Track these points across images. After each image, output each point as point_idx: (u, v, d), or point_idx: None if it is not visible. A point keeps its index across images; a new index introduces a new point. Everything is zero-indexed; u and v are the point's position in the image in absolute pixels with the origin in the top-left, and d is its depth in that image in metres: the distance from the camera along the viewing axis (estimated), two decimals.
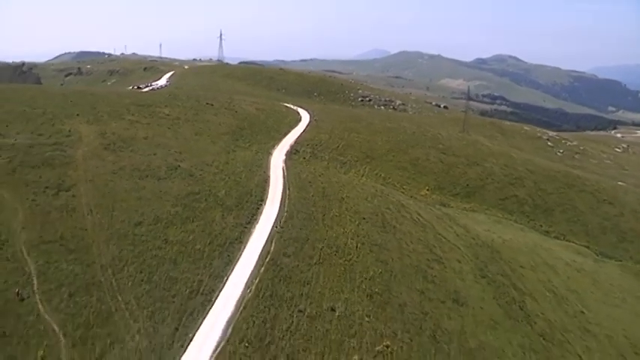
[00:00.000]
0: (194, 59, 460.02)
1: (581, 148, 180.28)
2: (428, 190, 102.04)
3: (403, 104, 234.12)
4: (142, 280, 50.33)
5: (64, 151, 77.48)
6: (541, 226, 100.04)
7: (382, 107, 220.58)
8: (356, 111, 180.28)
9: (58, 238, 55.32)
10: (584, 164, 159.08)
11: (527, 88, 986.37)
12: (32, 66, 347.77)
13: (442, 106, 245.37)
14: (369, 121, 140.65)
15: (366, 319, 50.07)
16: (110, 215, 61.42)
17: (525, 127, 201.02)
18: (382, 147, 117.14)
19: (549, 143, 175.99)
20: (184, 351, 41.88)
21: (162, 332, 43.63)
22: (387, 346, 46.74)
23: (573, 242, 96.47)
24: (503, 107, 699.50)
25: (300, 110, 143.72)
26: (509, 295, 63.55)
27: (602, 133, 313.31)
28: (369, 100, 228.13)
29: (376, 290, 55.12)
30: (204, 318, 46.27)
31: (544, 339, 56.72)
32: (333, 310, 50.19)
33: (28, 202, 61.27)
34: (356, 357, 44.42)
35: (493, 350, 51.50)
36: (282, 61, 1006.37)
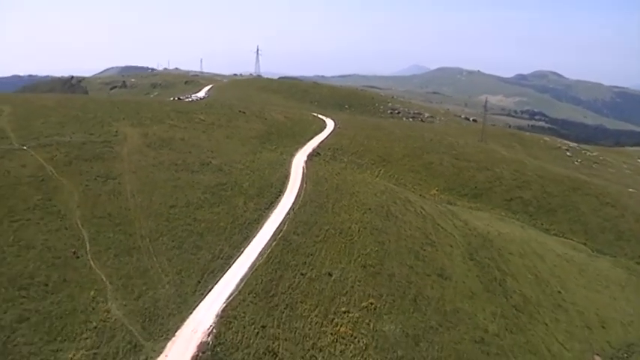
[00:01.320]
0: (234, 74, 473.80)
1: (601, 158, 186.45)
2: (437, 190, 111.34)
3: (431, 117, 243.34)
4: (173, 247, 61.42)
5: (111, 148, 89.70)
6: (542, 224, 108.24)
7: (410, 119, 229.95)
8: (380, 121, 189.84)
9: (107, 215, 66.91)
10: (600, 173, 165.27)
11: (568, 104, 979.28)
12: (80, 79, 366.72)
13: (471, 119, 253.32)
14: (390, 130, 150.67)
15: (357, 283, 60.10)
16: (149, 199, 72.87)
17: (545, 138, 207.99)
18: (398, 152, 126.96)
19: (568, 153, 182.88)
20: (203, 298, 52.52)
21: (187, 284, 54.50)
22: (372, 304, 56.76)
23: (571, 239, 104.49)
24: (542, 123, 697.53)
25: (326, 119, 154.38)
26: (492, 274, 72.72)
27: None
28: (398, 113, 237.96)
29: (370, 263, 65.07)
30: (221, 276, 56.87)
31: (516, 309, 65.83)
32: (329, 274, 60.41)
33: (82, 187, 73.21)
34: (344, 309, 54.50)
35: (466, 314, 60.94)
36: (322, 76, 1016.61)
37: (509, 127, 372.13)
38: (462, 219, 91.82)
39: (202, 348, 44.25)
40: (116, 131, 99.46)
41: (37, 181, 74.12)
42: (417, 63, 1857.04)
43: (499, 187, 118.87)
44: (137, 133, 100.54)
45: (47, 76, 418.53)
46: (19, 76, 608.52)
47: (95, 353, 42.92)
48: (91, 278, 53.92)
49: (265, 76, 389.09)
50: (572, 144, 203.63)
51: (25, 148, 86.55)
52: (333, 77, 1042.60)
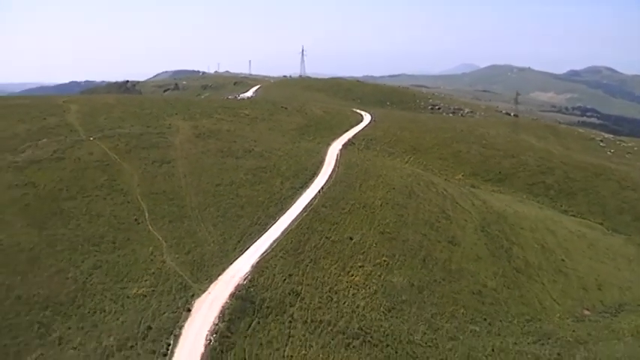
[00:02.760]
0: (284, 76, 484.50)
1: (635, 149, 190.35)
2: (462, 175, 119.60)
3: (471, 112, 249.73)
4: (218, 216, 72.38)
5: (165, 138, 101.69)
6: (561, 206, 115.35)
7: (451, 114, 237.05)
8: (416, 115, 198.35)
9: (162, 191, 78.50)
10: (631, 162, 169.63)
11: (622, 100, 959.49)
12: (135, 83, 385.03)
13: (512, 114, 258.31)
14: (423, 123, 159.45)
15: (374, 245, 69.79)
16: (198, 179, 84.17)
17: (580, 130, 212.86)
18: (429, 142, 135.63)
19: (602, 144, 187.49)
20: (242, 254, 62.96)
21: (228, 243, 65.22)
22: (385, 261, 66.45)
23: (588, 219, 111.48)
24: (593, 120, 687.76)
25: (364, 113, 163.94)
26: (500, 243, 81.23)
27: None
28: (439, 109, 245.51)
29: (387, 230, 74.65)
30: (258, 238, 67.32)
31: (517, 271, 74.34)
32: (350, 238, 70.30)
33: (140, 170, 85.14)
34: (359, 264, 64.36)
35: (469, 272, 69.90)
36: (371, 76, 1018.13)
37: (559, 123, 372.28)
38: (482, 199, 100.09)
39: (239, 288, 54.68)
40: (169, 124, 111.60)
41: (103, 166, 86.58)
42: (467, 61, 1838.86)
43: (523, 172, 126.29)
44: (188, 125, 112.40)
45: (103, 82, 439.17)
46: (77, 82, 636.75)
47: (153, 290, 53.85)
48: (149, 238, 65.19)
49: (313, 77, 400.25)
50: (607, 135, 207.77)
51: (91, 139, 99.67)
52: (382, 77, 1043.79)
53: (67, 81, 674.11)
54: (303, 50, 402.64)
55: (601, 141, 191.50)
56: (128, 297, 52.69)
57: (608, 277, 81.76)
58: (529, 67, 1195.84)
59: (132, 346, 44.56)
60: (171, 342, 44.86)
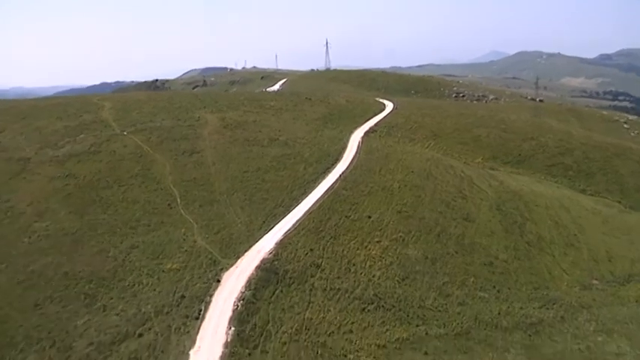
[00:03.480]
0: (312, 69, 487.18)
1: None
2: (482, 158, 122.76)
3: (496, 98, 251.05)
4: (245, 199, 77.48)
5: (195, 130, 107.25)
6: (579, 185, 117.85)
7: (475, 101, 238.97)
8: (438, 102, 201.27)
9: (192, 179, 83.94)
10: None
11: None
12: (164, 81, 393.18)
13: (538, 100, 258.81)
14: (445, 109, 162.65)
15: (391, 223, 74.12)
16: (227, 166, 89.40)
17: (603, 112, 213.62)
18: (449, 127, 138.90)
19: (625, 125, 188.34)
20: (267, 233, 67.81)
21: (254, 224, 70.21)
22: (401, 236, 70.80)
23: (606, 198, 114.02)
24: (625, 104, 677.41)
25: (386, 102, 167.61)
26: (514, 219, 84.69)
27: None
28: (463, 96, 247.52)
29: (405, 210, 78.87)
30: (282, 219, 72.14)
31: (528, 245, 77.90)
32: (369, 217, 74.73)
33: (172, 160, 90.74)
34: (377, 239, 68.83)
35: (481, 246, 73.77)
36: (399, 67, 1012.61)
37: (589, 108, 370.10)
38: (499, 180, 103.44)
39: (264, 262, 59.59)
40: (198, 117, 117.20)
41: (137, 157, 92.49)
42: (496, 49, 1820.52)
43: (542, 154, 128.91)
44: (216, 118, 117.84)
45: (132, 82, 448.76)
46: (108, 83, 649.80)
47: (186, 265, 59.10)
48: (181, 221, 70.60)
49: (337, 69, 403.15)
50: (631, 117, 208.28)
51: (125, 133, 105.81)
52: (409, 68, 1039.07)
53: (97, 82, 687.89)
54: (327, 43, 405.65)
55: (625, 123, 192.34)
56: (163, 271, 58.01)
57: (621, 250, 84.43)
58: (559, 53, 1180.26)
59: (167, 312, 49.77)
60: (203, 308, 49.91)
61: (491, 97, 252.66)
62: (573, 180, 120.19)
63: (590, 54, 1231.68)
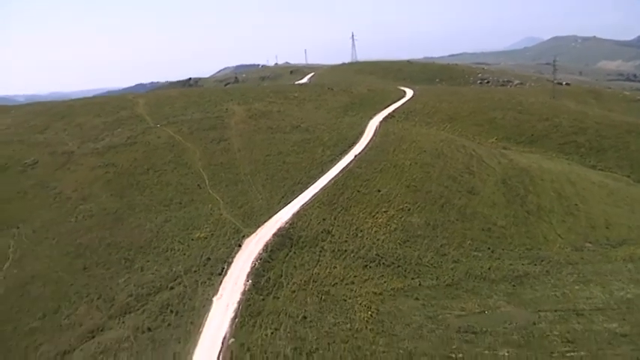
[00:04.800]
0: (342, 63, 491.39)
1: None
2: (495, 139, 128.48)
3: (521, 83, 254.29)
4: (266, 179, 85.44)
5: (223, 121, 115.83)
6: (590, 162, 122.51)
7: (500, 87, 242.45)
8: (457, 88, 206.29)
9: (219, 163, 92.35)
10: None
11: None
12: (197, 80, 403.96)
13: (564, 83, 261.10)
14: (463, 94, 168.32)
15: (399, 196, 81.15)
16: (251, 152, 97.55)
17: (626, 92, 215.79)
18: (466, 111, 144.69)
19: None
20: (285, 206, 75.45)
21: (274, 199, 78.07)
22: (407, 207, 77.78)
23: (615, 173, 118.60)
24: None
25: (407, 90, 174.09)
26: (517, 192, 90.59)
27: None
28: (487, 82, 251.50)
29: (413, 184, 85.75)
30: (299, 194, 79.68)
31: (527, 213, 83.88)
32: (379, 191, 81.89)
33: (201, 148, 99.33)
34: (384, 210, 76.04)
35: (482, 215, 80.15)
36: (430, 57, 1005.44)
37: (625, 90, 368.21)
38: (509, 158, 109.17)
39: (280, 229, 67.23)
40: (226, 109, 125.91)
41: (170, 146, 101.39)
42: (530, 35, 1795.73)
43: (555, 133, 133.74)
44: (242, 109, 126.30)
45: (167, 82, 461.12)
46: (143, 84, 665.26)
47: (212, 234, 67.19)
48: (209, 199, 78.90)
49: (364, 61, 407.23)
50: None
51: (158, 126, 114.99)
52: (442, 57, 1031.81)
53: (133, 84, 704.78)
54: (353, 36, 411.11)
55: None
56: (192, 239, 66.26)
57: (620, 218, 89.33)
58: (594, 37, 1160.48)
59: (195, 271, 57.92)
60: (225, 266, 57.81)
61: (516, 82, 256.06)
62: (585, 157, 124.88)
63: (627, 36, 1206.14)
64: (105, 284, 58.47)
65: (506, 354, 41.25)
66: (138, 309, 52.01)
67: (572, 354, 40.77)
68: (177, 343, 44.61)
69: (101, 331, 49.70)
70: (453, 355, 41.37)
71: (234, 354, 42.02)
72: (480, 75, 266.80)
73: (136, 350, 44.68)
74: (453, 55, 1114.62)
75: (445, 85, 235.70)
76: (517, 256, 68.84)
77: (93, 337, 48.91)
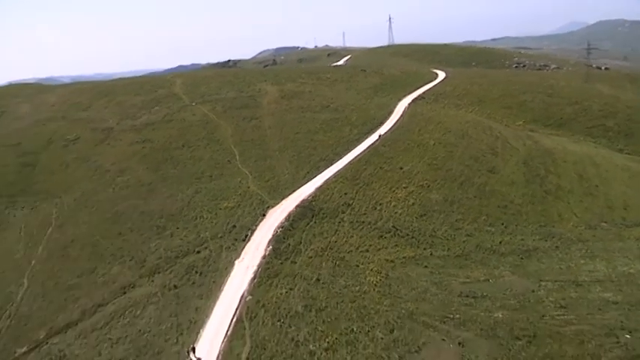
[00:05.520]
0: (379, 46, 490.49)
1: None
2: (523, 122, 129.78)
3: (557, 67, 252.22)
4: (294, 155, 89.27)
5: (255, 100, 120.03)
6: (617, 145, 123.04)
7: (536, 70, 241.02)
8: (491, 71, 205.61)
9: (250, 140, 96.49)
10: None
11: None
12: (236, 62, 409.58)
13: (603, 67, 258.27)
14: (495, 77, 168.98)
15: (420, 173, 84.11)
16: (280, 129, 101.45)
17: None
18: (495, 93, 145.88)
19: None
20: (309, 181, 79.12)
21: (300, 174, 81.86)
22: (427, 183, 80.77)
23: None
24: None
25: (439, 72, 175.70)
26: (537, 172, 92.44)
27: None
28: (523, 66, 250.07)
29: (435, 163, 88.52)
30: (324, 170, 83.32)
31: (545, 192, 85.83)
32: (401, 168, 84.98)
33: (234, 125, 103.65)
34: (404, 185, 79.22)
35: (500, 193, 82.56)
36: (473, 41, 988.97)
37: None
38: (535, 140, 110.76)
39: (303, 202, 71.00)
40: (259, 89, 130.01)
41: (203, 123, 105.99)
42: (576, 19, 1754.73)
43: (584, 117, 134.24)
44: (275, 89, 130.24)
45: (208, 63, 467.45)
46: (184, 66, 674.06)
47: (239, 204, 71.36)
48: (238, 173, 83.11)
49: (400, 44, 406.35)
50: None
51: (194, 104, 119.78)
52: (483, 41, 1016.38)
53: (174, 65, 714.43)
54: (390, 19, 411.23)
55: None
56: (220, 209, 70.57)
57: (637, 199, 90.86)
58: None
59: (221, 237, 62.22)
60: (249, 233, 61.93)
61: (552, 66, 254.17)
62: (612, 140, 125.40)
63: None
64: (137, 248, 63.23)
65: (500, 316, 44.33)
66: (166, 269, 56.61)
67: (562, 317, 43.65)
68: (199, 299, 49.02)
69: (132, 287, 54.49)
70: (451, 316, 44.63)
71: (250, 309, 46.12)
72: (516, 59, 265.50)
73: (162, 304, 49.27)
74: (495, 39, 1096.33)
75: (480, 68, 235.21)
76: (529, 232, 71.28)
77: (124, 292, 53.75)
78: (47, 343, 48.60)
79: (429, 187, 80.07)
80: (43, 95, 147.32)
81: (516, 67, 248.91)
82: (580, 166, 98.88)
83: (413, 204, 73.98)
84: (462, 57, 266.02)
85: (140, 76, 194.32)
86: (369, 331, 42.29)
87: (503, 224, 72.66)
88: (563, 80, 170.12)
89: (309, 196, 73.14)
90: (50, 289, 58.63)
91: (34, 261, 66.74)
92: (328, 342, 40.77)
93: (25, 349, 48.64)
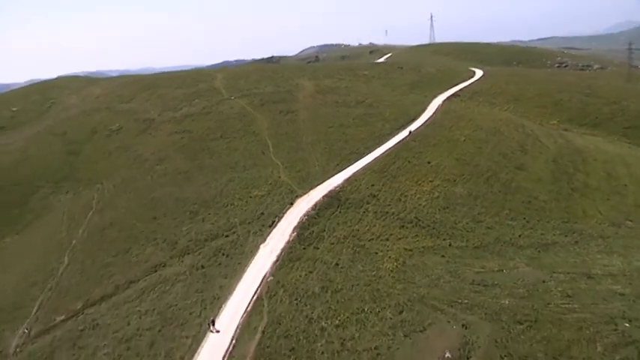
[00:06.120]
0: (420, 44, 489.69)
1: None
2: (558, 121, 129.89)
3: (601, 67, 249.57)
4: (325, 148, 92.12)
5: (292, 94, 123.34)
6: None
7: (579, 70, 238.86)
8: (530, 71, 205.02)
9: (284, 133, 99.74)
10: None
11: None
12: (279, 58, 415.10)
13: None
14: (532, 76, 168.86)
15: (447, 167, 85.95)
16: (314, 123, 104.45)
17: None
18: (531, 92, 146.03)
19: None
20: (338, 173, 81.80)
21: (330, 166, 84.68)
22: (453, 178, 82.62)
23: None
24: None
25: (477, 70, 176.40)
26: (565, 169, 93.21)
27: None
28: (565, 66, 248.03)
29: (463, 158, 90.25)
30: (354, 162, 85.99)
31: (572, 190, 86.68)
32: (429, 162, 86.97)
33: (269, 118, 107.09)
34: (430, 179, 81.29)
35: (525, 189, 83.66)
36: (520, 41, 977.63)
37: None
38: (567, 139, 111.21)
39: (331, 191, 73.75)
40: (297, 84, 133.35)
41: (240, 116, 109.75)
42: (628, 19, 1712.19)
43: (620, 117, 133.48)
44: (312, 84, 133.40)
45: (252, 59, 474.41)
46: (229, 62, 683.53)
47: (269, 193, 74.50)
48: (271, 164, 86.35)
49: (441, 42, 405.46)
50: None
51: (232, 98, 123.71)
52: (530, 41, 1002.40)
53: (219, 61, 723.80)
54: (431, 17, 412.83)
55: None
56: (251, 197, 73.85)
57: None
58: None
59: (249, 223, 65.43)
60: (276, 220, 64.99)
61: (596, 66, 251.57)
62: None
63: None
64: (170, 231, 66.99)
65: (507, 302, 46.27)
66: (195, 251, 60.17)
67: (566, 305, 45.34)
68: (224, 278, 52.32)
69: (163, 267, 58.24)
70: (460, 301, 46.80)
71: (270, 288, 49.19)
72: (558, 58, 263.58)
73: (190, 282, 52.80)
74: (541, 39, 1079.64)
75: (521, 67, 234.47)
76: (551, 227, 72.53)
77: (155, 271, 57.51)
78: (83, 313, 52.64)
79: (454, 181, 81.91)
80: (89, 87, 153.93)
81: (558, 66, 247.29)
82: (610, 165, 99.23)
83: (437, 197, 75.98)
84: (502, 56, 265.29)
85: (183, 71, 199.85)
86: (379, 311, 44.79)
87: (525, 219, 74.02)
88: (603, 80, 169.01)
89: (337, 186, 75.83)
90: (88, 267, 62.87)
91: (74, 241, 71.34)
92: (339, 320, 43.45)
93: (62, 317, 52.78)
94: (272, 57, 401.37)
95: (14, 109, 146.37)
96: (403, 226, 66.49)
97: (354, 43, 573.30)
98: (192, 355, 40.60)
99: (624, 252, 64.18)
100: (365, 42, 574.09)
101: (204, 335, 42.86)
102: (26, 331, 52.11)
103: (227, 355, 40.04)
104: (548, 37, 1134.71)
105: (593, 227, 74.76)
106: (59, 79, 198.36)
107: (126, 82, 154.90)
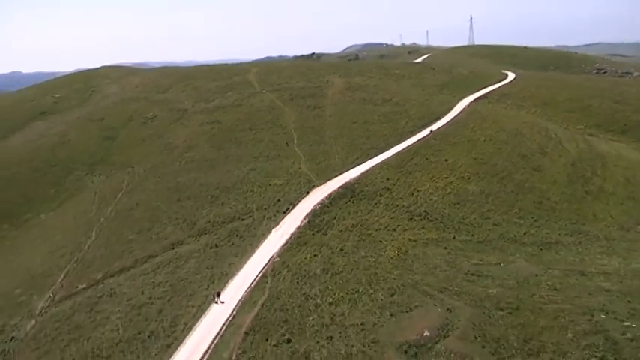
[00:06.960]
0: (459, 46, 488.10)
1: None
2: (584, 126, 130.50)
3: None
4: (347, 142, 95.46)
5: (321, 90, 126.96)
6: None
7: (618, 77, 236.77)
8: (564, 76, 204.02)
9: (310, 127, 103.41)
10: None
11: None
12: (319, 55, 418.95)
13: None
14: (565, 81, 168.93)
15: (464, 166, 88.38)
16: (340, 119, 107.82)
17: None
18: (562, 97, 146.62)
19: None
20: (356, 166, 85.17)
21: (349, 159, 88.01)
22: (467, 176, 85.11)
23: None
24: None
25: (510, 73, 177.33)
26: (582, 173, 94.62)
27: None
28: (604, 72, 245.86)
29: (481, 158, 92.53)
30: (373, 157, 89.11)
31: (586, 193, 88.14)
32: (446, 160, 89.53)
33: (297, 112, 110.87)
34: (445, 176, 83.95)
35: (538, 190, 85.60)
36: (564, 46, 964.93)
37: None
38: (590, 144, 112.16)
39: (347, 183, 77.15)
40: (327, 80, 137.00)
41: (270, 109, 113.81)
42: None
43: None
44: (342, 81, 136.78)
45: (294, 56, 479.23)
46: (271, 57, 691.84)
47: (287, 182, 78.24)
48: (293, 155, 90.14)
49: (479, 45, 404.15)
50: None
51: (264, 91, 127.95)
52: (576, 47, 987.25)
53: (262, 57, 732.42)
54: (471, 19, 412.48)
55: None
56: (270, 185, 77.70)
57: None
58: None
59: (265, 208, 69.25)
60: (290, 207, 68.65)
61: (635, 73, 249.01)
62: None
63: None
64: (191, 213, 71.26)
65: (494, 291, 49.02)
66: (212, 232, 64.30)
67: (549, 297, 47.88)
68: (234, 256, 56.24)
69: (180, 244, 62.52)
70: (450, 288, 49.70)
71: (276, 267, 52.87)
72: (597, 65, 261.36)
73: (202, 259, 56.95)
74: (587, 45, 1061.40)
75: (557, 72, 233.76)
76: (557, 227, 74.44)
77: (173, 248, 61.83)
78: (102, 282, 57.17)
79: (469, 179, 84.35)
80: (129, 77, 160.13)
81: (597, 72, 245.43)
82: (630, 171, 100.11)
83: (449, 193, 78.59)
84: (540, 61, 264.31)
85: (219, 64, 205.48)
86: (372, 293, 48.04)
87: (533, 218, 76.06)
88: (637, 87, 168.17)
89: (353, 179, 79.17)
90: (112, 242, 67.57)
91: (102, 219, 76.34)
92: (334, 298, 46.84)
93: (84, 285, 57.37)
94: (313, 54, 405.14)
95: (57, 95, 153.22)
96: (412, 219, 69.36)
97: (397, 43, 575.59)
98: (195, 322, 44.44)
99: (626, 254, 65.78)
100: (407, 42, 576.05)
101: (208, 305, 46.72)
102: (51, 295, 56.86)
103: (226, 324, 43.74)
104: (593, 44, 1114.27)
105: (600, 230, 76.26)
106: (102, 68, 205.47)
107: (164, 73, 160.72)
